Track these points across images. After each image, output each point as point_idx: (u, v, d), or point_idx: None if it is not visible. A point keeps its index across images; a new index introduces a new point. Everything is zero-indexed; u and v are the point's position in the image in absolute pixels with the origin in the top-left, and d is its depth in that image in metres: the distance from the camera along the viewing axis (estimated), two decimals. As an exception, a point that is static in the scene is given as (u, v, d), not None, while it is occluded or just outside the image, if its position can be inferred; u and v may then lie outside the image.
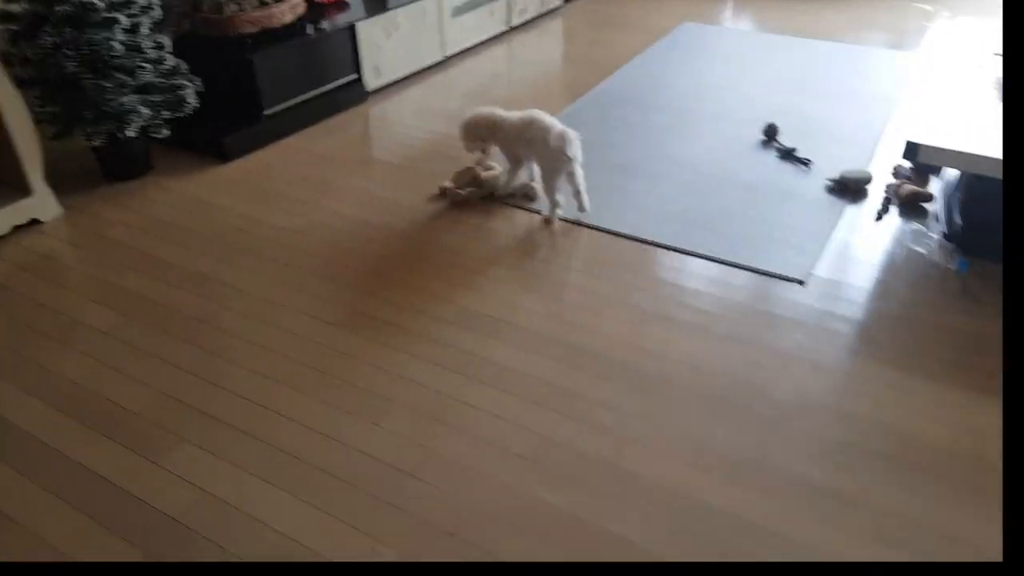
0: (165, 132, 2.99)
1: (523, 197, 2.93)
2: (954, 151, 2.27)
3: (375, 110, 3.72)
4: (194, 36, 3.37)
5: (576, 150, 2.62)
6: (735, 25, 4.91)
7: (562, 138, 2.59)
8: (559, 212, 2.76)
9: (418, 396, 1.99)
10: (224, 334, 2.22)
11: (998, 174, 2.22)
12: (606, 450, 1.83)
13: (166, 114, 2.98)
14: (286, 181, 3.06)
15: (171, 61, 2.97)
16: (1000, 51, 2.88)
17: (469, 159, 2.97)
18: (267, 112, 3.34)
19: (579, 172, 2.69)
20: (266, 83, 3.30)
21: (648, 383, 2.03)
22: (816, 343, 2.17)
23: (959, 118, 2.49)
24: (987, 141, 2.33)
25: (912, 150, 2.32)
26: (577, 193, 2.72)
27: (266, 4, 3.37)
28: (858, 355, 2.13)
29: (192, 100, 3.00)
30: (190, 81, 3.02)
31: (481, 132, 2.78)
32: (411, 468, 1.78)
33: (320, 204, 2.89)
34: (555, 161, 2.63)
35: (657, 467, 1.78)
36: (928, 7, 5.23)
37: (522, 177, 2.92)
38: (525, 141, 2.72)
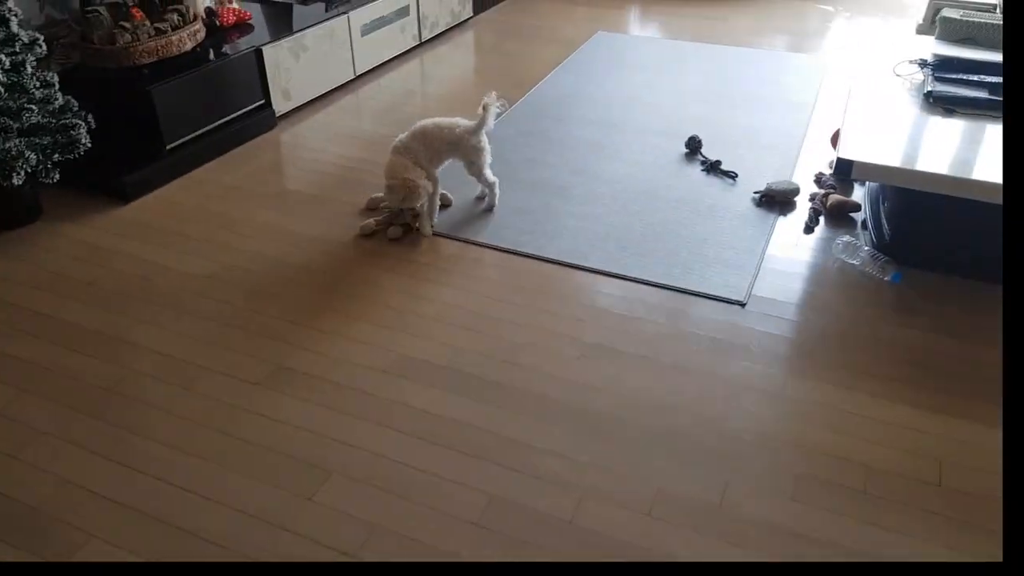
0: (56, 176, 2.73)
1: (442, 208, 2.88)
2: (890, 167, 2.27)
3: (286, 136, 3.53)
4: (85, 69, 3.11)
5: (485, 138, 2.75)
6: (645, 32, 4.91)
7: (468, 130, 2.69)
8: (435, 222, 2.78)
9: (354, 461, 1.85)
10: (134, 404, 2.02)
11: (937, 189, 2.22)
12: (561, 507, 1.73)
13: (56, 157, 2.73)
14: (194, 220, 2.85)
15: (60, 99, 2.73)
16: (918, 60, 2.92)
17: (379, 185, 2.83)
18: (169, 146, 3.12)
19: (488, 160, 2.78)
20: (167, 115, 3.07)
21: (598, 425, 1.94)
22: (762, 367, 2.12)
23: (887, 130, 2.50)
24: (920, 155, 2.34)
25: (844, 167, 2.31)
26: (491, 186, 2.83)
27: (162, 32, 3.14)
28: (804, 377, 2.09)
29: (85, 140, 2.76)
30: (82, 119, 2.77)
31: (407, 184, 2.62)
32: (354, 549, 1.64)
33: (232, 244, 2.70)
34: (473, 153, 2.74)
35: (618, 522, 1.69)
36: (829, 7, 5.36)
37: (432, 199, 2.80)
38: (434, 151, 2.69)
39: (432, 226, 2.76)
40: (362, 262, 2.59)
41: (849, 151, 2.33)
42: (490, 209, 2.87)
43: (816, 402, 2.01)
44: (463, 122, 2.74)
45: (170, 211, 2.91)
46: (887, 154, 2.34)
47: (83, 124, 2.76)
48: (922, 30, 3.85)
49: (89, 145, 2.78)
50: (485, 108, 2.70)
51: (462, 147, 2.73)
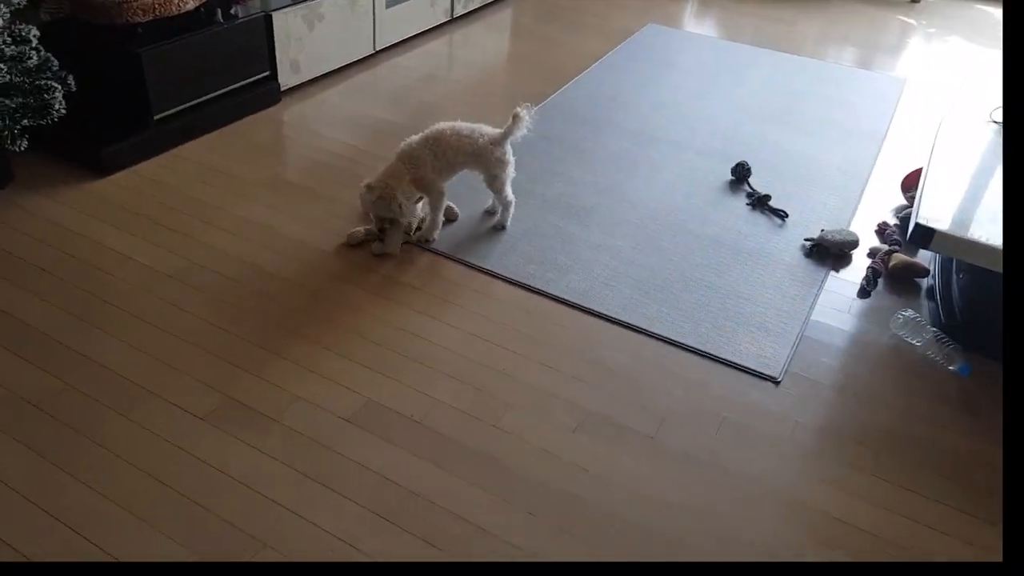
0: (23, 144, 2.44)
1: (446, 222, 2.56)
2: (979, 244, 1.88)
3: (288, 114, 3.21)
4: (74, 23, 2.81)
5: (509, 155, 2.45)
6: (702, 30, 4.48)
7: (493, 140, 2.38)
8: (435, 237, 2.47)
9: (292, 533, 1.55)
10: (61, 429, 1.74)
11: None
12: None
13: (25, 122, 2.43)
14: (170, 205, 2.55)
15: (35, 58, 2.42)
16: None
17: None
18: (157, 117, 2.82)
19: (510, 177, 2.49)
20: (157, 82, 2.77)
21: (584, 519, 1.62)
22: (790, 470, 1.78)
23: (978, 195, 2.11)
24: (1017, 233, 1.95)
25: (923, 236, 1.92)
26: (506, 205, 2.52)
27: (163, -14, 2.82)
28: (837, 487, 1.75)
29: (59, 106, 2.46)
30: (60, 81, 2.47)
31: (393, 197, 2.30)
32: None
33: (205, 239, 2.40)
34: (496, 167, 2.42)
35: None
36: (911, 20, 4.88)
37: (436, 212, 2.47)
38: (447, 161, 2.37)
39: (434, 239, 2.44)
40: (346, 279, 2.28)
41: (930, 216, 1.95)
42: (502, 228, 2.54)
43: (849, 523, 1.67)
44: (487, 130, 2.41)
45: (147, 191, 2.62)
46: (977, 226, 1.95)
47: (59, 88, 2.46)
48: (1014, 61, 3.41)
49: (63, 111, 2.48)
50: (516, 118, 2.36)
51: (484, 159, 2.40)
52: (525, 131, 2.39)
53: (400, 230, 2.38)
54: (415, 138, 2.37)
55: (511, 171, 2.47)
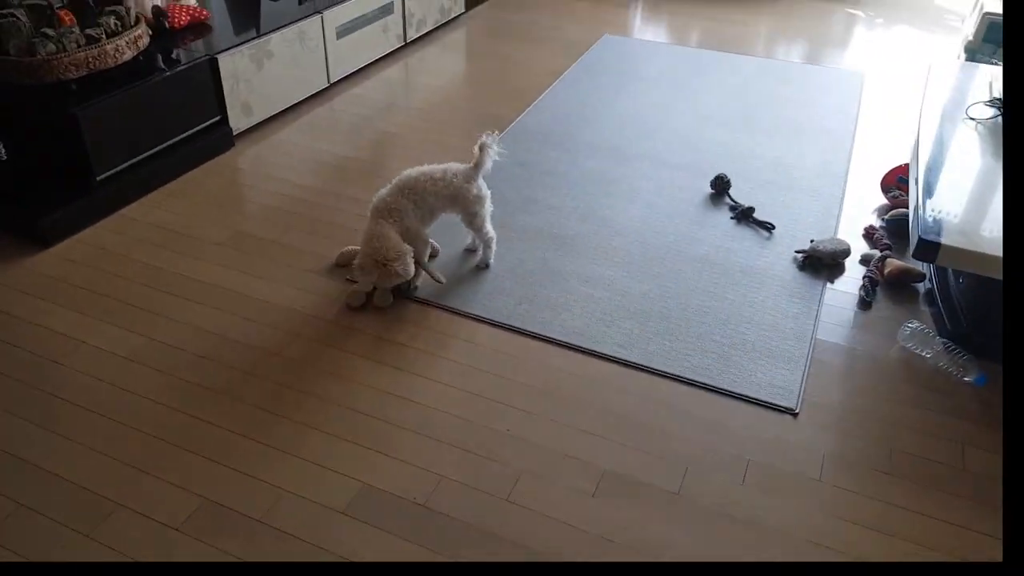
0: (-51, 221, 2.23)
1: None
2: (989, 256, 1.79)
3: (244, 159, 3.02)
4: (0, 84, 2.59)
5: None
6: (657, 36, 4.40)
7: (467, 177, 2.26)
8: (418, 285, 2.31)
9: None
10: (13, 560, 1.54)
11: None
12: None
13: (-50, 197, 2.22)
14: (122, 274, 2.35)
15: (-45, 126, 2.21)
16: (994, 100, 2.45)
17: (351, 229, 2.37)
18: (100, 177, 2.61)
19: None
20: (98, 141, 2.56)
21: (620, 605, 1.48)
22: (826, 514, 1.67)
23: (973, 200, 2.04)
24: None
25: (928, 250, 1.84)
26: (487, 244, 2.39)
27: (96, 40, 2.61)
28: (879, 531, 1.64)
29: (-13, 177, 2.25)
30: (-14, 149, 2.26)
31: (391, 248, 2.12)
32: None
33: (164, 311, 2.20)
34: (475, 204, 2.29)
35: None
36: (858, 12, 4.87)
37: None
38: (427, 207, 2.22)
39: (416, 287, 2.29)
40: (324, 341, 2.11)
41: (932, 230, 1.86)
42: (485, 267, 2.40)
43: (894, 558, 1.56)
44: (457, 167, 2.26)
45: (95, 261, 2.41)
46: (981, 236, 1.87)
47: (-13, 157, 2.25)
48: (972, 48, 3.39)
49: (-7, 184, 2.27)
50: (482, 149, 2.22)
51: (461, 199, 2.25)
52: (494, 159, 2.26)
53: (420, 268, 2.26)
54: (384, 191, 2.21)
55: (489, 206, 2.33)
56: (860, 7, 4.93)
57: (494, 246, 2.39)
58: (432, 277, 2.28)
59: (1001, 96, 2.46)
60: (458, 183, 2.23)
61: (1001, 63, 3.01)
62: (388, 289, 2.22)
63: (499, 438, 1.82)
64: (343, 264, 2.39)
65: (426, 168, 2.24)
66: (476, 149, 2.23)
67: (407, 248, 2.12)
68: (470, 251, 2.47)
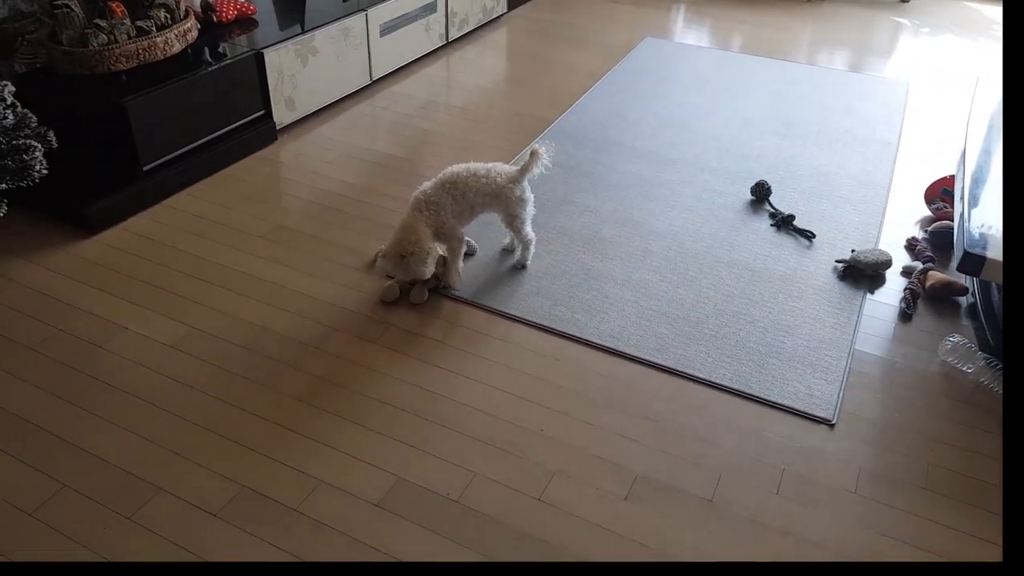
0: (3, 209, 2.28)
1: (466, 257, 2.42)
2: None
3: (285, 153, 3.06)
4: (52, 73, 2.65)
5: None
6: (699, 41, 4.37)
7: (511, 178, 2.27)
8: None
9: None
10: (57, 540, 1.57)
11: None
12: None
13: (4, 185, 2.27)
14: (165, 264, 2.39)
15: (12, 117, 2.26)
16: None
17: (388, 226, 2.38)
18: (146, 168, 2.66)
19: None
20: (145, 132, 2.61)
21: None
22: (864, 529, 1.65)
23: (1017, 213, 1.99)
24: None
25: (973, 263, 1.81)
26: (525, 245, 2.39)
27: (145, 32, 2.67)
28: (921, 547, 1.61)
29: (40, 166, 2.30)
30: (40, 140, 2.31)
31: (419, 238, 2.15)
32: None
33: (206, 300, 2.24)
34: (516, 206, 2.30)
35: None
36: (903, 20, 4.79)
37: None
38: (467, 204, 2.24)
39: (457, 287, 2.31)
40: (363, 337, 2.13)
41: (978, 243, 1.83)
42: (522, 267, 2.40)
43: (937, 589, 1.54)
44: (503, 168, 2.29)
45: (139, 250, 2.46)
46: (1031, 250, 1.83)
47: (39, 146, 2.30)
48: (1023, 58, 3.32)
49: (45, 172, 2.32)
50: (534, 155, 2.23)
51: (503, 199, 2.26)
52: (543, 169, 2.26)
53: (454, 265, 2.28)
54: (428, 185, 2.23)
55: (531, 209, 2.34)
56: (906, 15, 4.86)
57: (532, 248, 2.40)
58: (450, 281, 2.28)
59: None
60: (501, 182, 2.24)
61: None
62: (424, 287, 2.24)
63: (532, 437, 1.83)
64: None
65: (471, 165, 2.26)
66: (528, 154, 2.23)
67: (431, 248, 2.14)
68: (507, 251, 2.48)
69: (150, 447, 1.77)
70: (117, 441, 1.79)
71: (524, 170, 2.25)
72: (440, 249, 2.26)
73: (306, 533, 1.59)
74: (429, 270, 2.15)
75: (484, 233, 2.53)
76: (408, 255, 2.10)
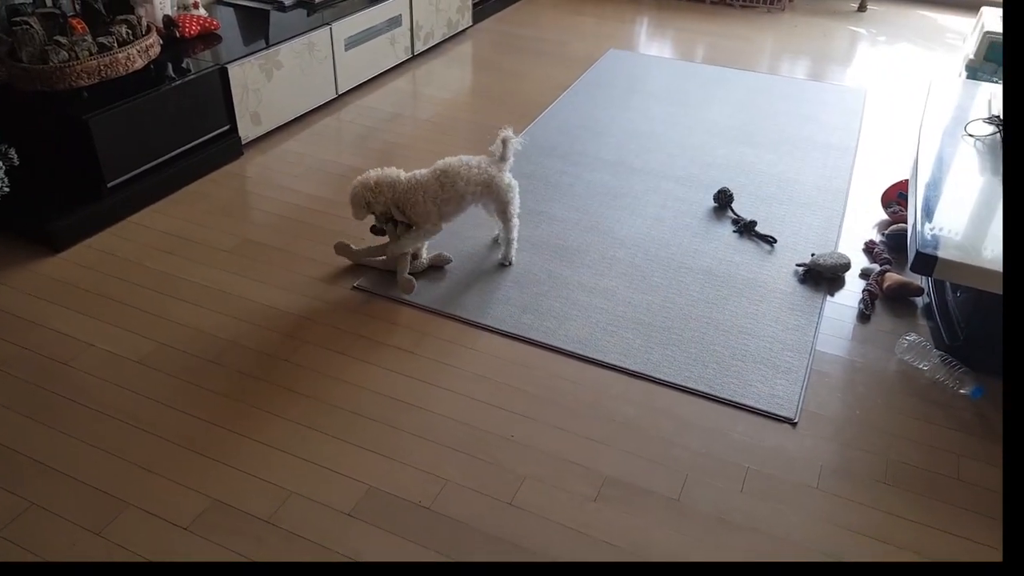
0: (-37, 226, 2.27)
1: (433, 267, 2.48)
2: (986, 270, 1.82)
3: (251, 168, 3.06)
4: (12, 90, 2.63)
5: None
6: (660, 52, 4.45)
7: (500, 169, 2.39)
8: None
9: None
10: (32, 561, 1.56)
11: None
12: None
13: (-36, 201, 2.26)
14: (132, 280, 2.38)
15: (-29, 132, 2.25)
16: (993, 118, 2.48)
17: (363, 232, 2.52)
18: (110, 184, 2.65)
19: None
20: (109, 148, 2.60)
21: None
22: (826, 523, 1.69)
23: (970, 215, 2.07)
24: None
25: (925, 263, 1.87)
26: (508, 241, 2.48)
27: (108, 49, 2.66)
28: (881, 539, 1.66)
29: (2, 184, 2.29)
30: (2, 157, 2.30)
31: (366, 197, 2.31)
32: None
33: (173, 316, 2.24)
34: (508, 193, 2.40)
35: None
36: (861, 29, 4.92)
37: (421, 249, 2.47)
38: (458, 195, 2.34)
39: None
40: (332, 348, 2.14)
41: (930, 244, 1.90)
42: (508, 264, 2.49)
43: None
44: (487, 159, 2.40)
45: (105, 267, 2.44)
46: (977, 250, 1.90)
47: (1, 165, 2.29)
48: (973, 66, 3.43)
49: (7, 190, 2.31)
50: (505, 142, 2.34)
51: (495, 188, 2.36)
52: (517, 149, 2.38)
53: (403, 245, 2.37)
54: (422, 171, 2.35)
55: (518, 199, 2.43)
56: (863, 25, 4.98)
57: (516, 244, 2.48)
58: (391, 247, 2.36)
59: (1000, 114, 2.50)
60: (492, 171, 2.35)
61: (1001, 81, 3.05)
62: (406, 274, 2.35)
63: (503, 444, 1.85)
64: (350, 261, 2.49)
65: (465, 157, 2.37)
66: (499, 142, 2.33)
67: (379, 180, 2.28)
68: (495, 242, 2.58)
69: (119, 463, 1.77)
70: (85, 458, 1.78)
71: (503, 158, 2.36)
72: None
73: (278, 544, 1.59)
74: (360, 201, 2.28)
75: (452, 243, 2.55)
76: (356, 183, 2.28)
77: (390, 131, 3.37)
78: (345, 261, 2.49)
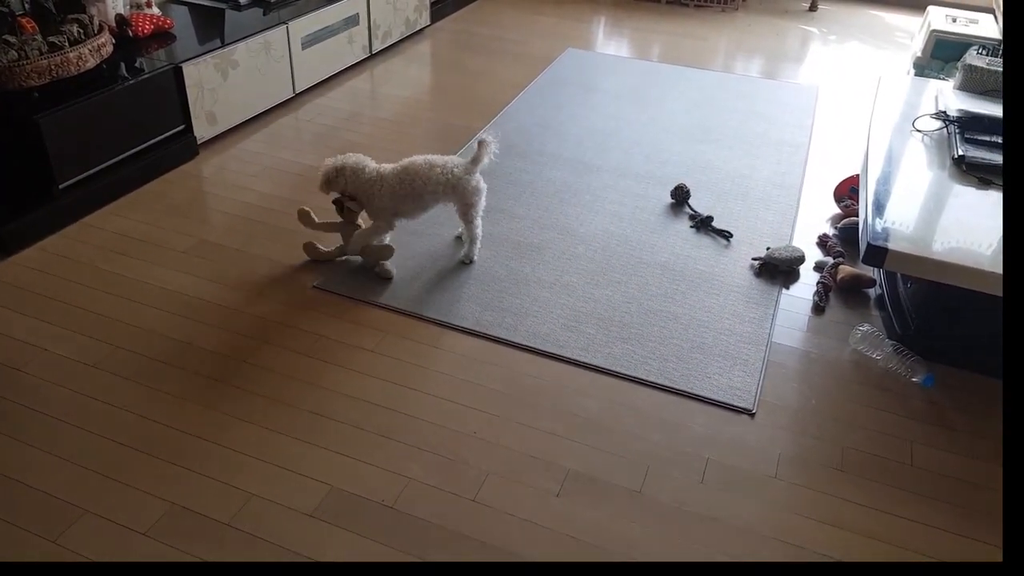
0: (-93, 229, 2.20)
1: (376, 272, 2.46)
2: (935, 261, 1.88)
3: (208, 168, 3.02)
4: (-43, 89, 2.56)
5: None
6: (617, 51, 4.49)
7: (467, 169, 2.38)
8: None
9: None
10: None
11: (994, 290, 1.84)
12: None
13: (-93, 204, 2.19)
14: (85, 283, 2.34)
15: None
16: (940, 114, 2.56)
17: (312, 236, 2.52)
18: (62, 186, 2.59)
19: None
20: (60, 149, 2.54)
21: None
22: (784, 511, 1.73)
23: (919, 208, 2.13)
24: (966, 244, 1.96)
25: (876, 255, 1.92)
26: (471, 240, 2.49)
27: (58, 48, 2.60)
28: (835, 525, 1.70)
29: (-55, 184, 2.22)
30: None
31: (330, 175, 2.37)
32: None
33: (128, 318, 2.20)
34: (473, 195, 2.41)
35: None
36: (812, 28, 5.02)
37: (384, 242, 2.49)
38: (417, 195, 2.36)
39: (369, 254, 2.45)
40: (291, 347, 2.12)
41: (880, 236, 1.95)
42: (470, 262, 2.50)
43: (851, 562, 1.62)
44: (457, 160, 2.40)
45: (57, 270, 2.39)
46: (928, 242, 1.96)
47: (-55, 165, 2.23)
48: (921, 63, 3.53)
49: (-48, 192, 2.24)
50: (481, 145, 2.34)
51: (460, 189, 2.36)
52: (492, 158, 2.38)
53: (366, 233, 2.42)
54: (389, 167, 2.37)
55: (483, 201, 2.44)
56: (814, 24, 5.08)
57: (479, 243, 2.48)
58: (346, 245, 2.41)
59: (946, 110, 2.57)
60: (458, 173, 2.35)
61: (947, 79, 3.14)
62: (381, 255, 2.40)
63: (465, 441, 1.86)
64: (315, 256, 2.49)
65: (431, 157, 2.38)
66: (476, 145, 2.34)
67: (345, 165, 2.33)
68: (458, 239, 2.59)
69: (74, 468, 1.73)
70: (39, 464, 1.74)
71: (476, 160, 2.35)
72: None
73: (239, 547, 1.58)
74: (329, 176, 2.34)
75: (414, 241, 2.55)
76: (324, 165, 2.33)
77: (349, 130, 3.35)
78: (305, 259, 2.47)
